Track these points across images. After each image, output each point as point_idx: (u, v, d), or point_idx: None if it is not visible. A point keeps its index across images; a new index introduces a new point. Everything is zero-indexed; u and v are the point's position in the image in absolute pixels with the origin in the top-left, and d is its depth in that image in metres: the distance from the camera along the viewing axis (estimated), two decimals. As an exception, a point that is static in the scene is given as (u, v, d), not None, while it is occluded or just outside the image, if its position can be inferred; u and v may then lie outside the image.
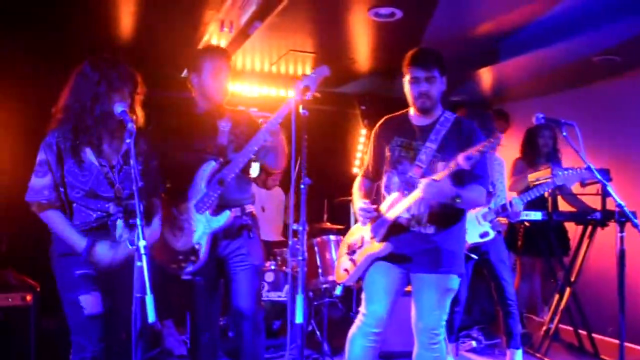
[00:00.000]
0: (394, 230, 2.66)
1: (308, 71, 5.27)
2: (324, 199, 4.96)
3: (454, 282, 2.61)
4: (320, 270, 4.19)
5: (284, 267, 4.52)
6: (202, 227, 2.78)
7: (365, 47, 4.68)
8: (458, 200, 2.43)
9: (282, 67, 5.21)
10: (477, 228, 3.62)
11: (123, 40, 4.43)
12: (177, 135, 2.87)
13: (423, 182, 2.43)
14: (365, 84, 5.66)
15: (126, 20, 4.06)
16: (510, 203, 3.49)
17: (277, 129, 2.71)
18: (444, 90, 2.70)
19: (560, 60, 4.70)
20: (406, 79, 2.66)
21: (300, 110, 2.42)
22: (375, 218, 2.72)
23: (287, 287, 4.36)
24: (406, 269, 2.64)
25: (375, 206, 2.72)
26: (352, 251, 2.84)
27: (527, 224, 4.42)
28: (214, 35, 4.31)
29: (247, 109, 4.35)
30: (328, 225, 4.79)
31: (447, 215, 2.59)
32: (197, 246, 2.78)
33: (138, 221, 2.05)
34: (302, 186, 2.18)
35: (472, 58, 4.86)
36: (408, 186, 2.60)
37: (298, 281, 2.07)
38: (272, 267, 4.43)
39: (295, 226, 2.03)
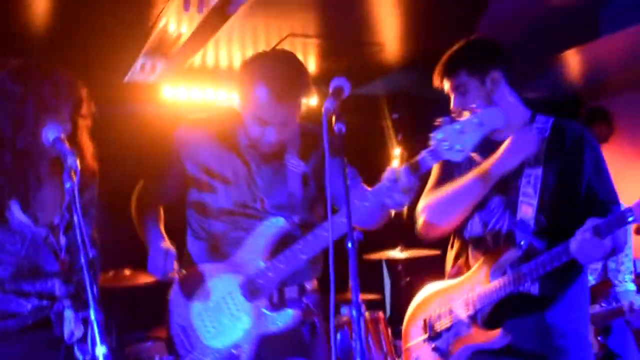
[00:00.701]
0: (508, 307, 2.57)
1: (312, 64, 5.35)
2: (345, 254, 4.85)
3: None
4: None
5: None
6: (248, 322, 2.58)
7: (397, 27, 4.72)
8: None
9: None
10: None
11: (35, 33, 4.42)
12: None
13: (575, 242, 2.37)
14: (397, 81, 5.67)
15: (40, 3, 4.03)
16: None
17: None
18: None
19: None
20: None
21: (335, 125, 2.25)
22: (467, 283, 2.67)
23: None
24: None
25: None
26: (435, 334, 2.72)
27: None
28: (173, 17, 4.27)
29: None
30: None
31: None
32: (235, 351, 2.57)
33: (92, 313, 1.87)
34: (349, 244, 1.99)
35: (556, 35, 4.88)
36: (506, 238, 2.60)
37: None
38: None
39: (344, 310, 1.82)
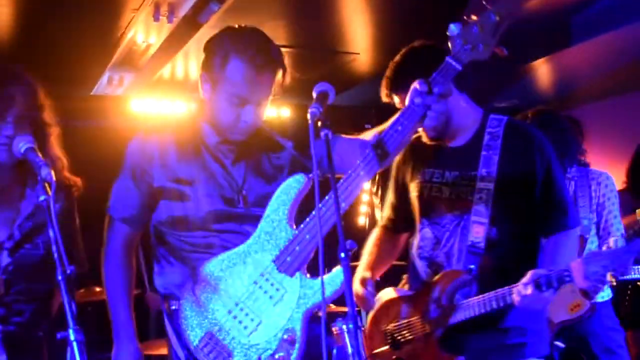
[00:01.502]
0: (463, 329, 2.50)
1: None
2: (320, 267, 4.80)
3: None
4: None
5: None
6: (294, 299, 2.29)
7: (370, 34, 4.70)
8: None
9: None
10: (566, 297, 3.51)
11: None
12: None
13: (517, 294, 2.34)
14: (372, 91, 5.57)
15: None
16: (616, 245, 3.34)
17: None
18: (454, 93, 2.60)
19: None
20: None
21: (321, 132, 2.15)
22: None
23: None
24: None
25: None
26: (396, 344, 2.64)
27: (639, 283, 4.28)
28: (141, 28, 4.21)
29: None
30: (332, 306, 4.56)
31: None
32: (287, 336, 2.25)
33: (71, 334, 1.76)
34: (342, 254, 1.90)
35: (528, 43, 4.79)
36: (459, 258, 2.55)
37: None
38: None
39: (340, 325, 1.72)
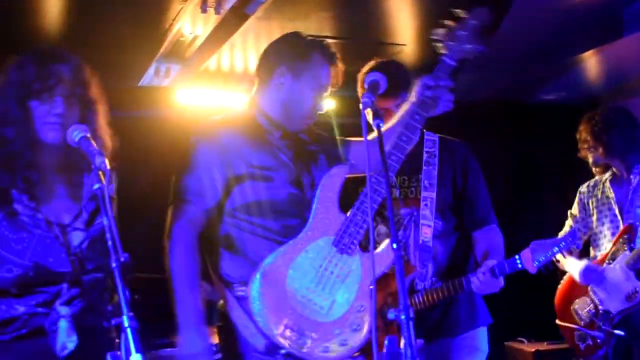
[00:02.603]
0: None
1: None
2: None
3: None
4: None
5: None
6: (358, 275, 2.49)
7: (416, 27, 4.67)
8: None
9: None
10: (622, 286, 3.53)
11: (50, 38, 4.37)
12: None
13: (475, 281, 2.84)
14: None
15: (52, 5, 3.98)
16: None
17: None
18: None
19: None
20: None
21: (372, 121, 2.18)
22: None
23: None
24: None
25: None
26: None
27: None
28: (188, 20, 4.21)
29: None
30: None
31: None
32: (361, 309, 2.47)
33: (125, 320, 1.79)
34: (393, 245, 1.91)
35: (578, 35, 4.81)
36: (416, 247, 2.96)
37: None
38: None
39: (392, 314, 1.73)
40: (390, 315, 1.76)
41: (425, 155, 3.06)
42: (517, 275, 3.85)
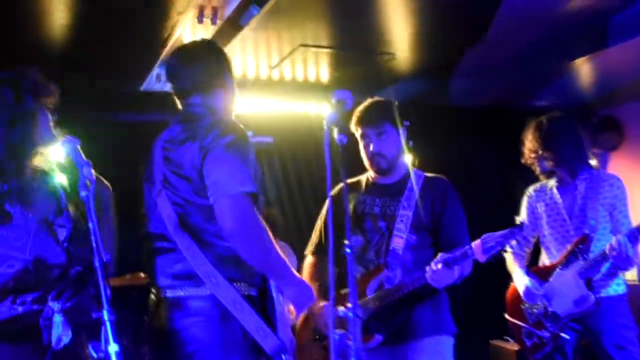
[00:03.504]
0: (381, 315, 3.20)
1: (324, 74, 5.45)
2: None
3: None
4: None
5: None
6: None
7: (408, 36, 4.76)
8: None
9: (287, 70, 5.29)
10: (571, 292, 3.67)
11: (54, 44, 4.51)
12: None
13: (430, 271, 3.05)
14: (408, 88, 5.71)
15: (56, 13, 4.08)
16: (618, 243, 3.45)
17: None
18: (401, 145, 3.40)
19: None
20: (358, 138, 3.38)
21: (336, 136, 2.40)
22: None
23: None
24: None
25: None
26: (323, 336, 3.24)
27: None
28: (187, 29, 4.36)
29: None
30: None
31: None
32: None
33: (105, 314, 2.00)
34: (347, 250, 2.13)
35: (566, 43, 4.92)
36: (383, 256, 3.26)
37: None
38: None
39: (341, 311, 1.95)
40: (340, 312, 1.98)
41: (408, 184, 3.35)
42: (505, 276, 3.99)
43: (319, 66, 5.21)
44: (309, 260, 3.51)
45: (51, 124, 2.55)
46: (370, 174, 3.47)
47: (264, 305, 2.58)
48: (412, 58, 5.12)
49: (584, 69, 5.51)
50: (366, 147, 3.35)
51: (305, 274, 3.41)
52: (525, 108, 6.37)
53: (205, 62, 2.81)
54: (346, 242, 2.30)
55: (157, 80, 5.19)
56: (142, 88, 5.34)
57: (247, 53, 4.93)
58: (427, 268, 3.04)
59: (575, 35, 4.82)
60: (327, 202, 2.88)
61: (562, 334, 3.66)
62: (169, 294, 2.58)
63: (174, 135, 2.68)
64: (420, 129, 3.63)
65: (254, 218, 2.47)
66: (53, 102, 2.59)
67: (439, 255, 3.05)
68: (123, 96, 5.28)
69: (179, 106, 2.81)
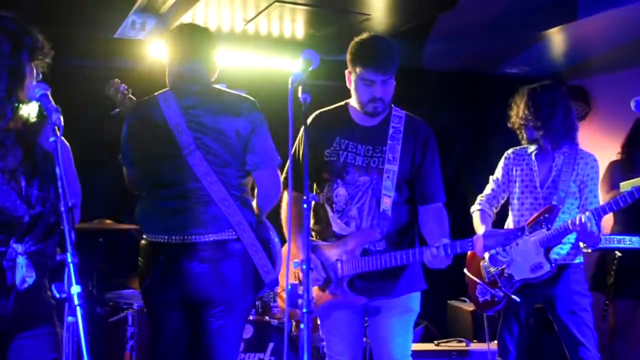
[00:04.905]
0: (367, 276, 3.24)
1: (299, 30, 5.45)
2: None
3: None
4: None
5: (266, 318, 4.59)
6: None
7: None
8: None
9: (263, 25, 5.27)
10: (530, 258, 3.79)
11: None
12: None
13: (429, 254, 3.09)
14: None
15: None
16: (580, 220, 3.55)
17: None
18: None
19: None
20: (355, 76, 3.20)
21: (300, 95, 2.48)
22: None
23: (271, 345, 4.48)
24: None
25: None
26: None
27: (619, 253, 4.50)
28: None
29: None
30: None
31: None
32: None
33: (69, 257, 2.07)
34: (304, 205, 2.22)
35: (539, 12, 4.97)
36: (369, 212, 3.23)
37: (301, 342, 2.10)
38: (251, 318, 4.51)
39: (294, 264, 2.05)
40: (295, 265, 2.08)
41: (391, 130, 3.24)
42: (466, 236, 4.06)
43: (294, 23, 5.19)
44: (286, 198, 3.37)
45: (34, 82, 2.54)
46: (351, 111, 3.33)
47: (267, 246, 3.07)
48: (387, 20, 5.12)
49: (555, 39, 5.55)
50: (365, 90, 3.17)
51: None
52: (496, 74, 6.45)
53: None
54: (304, 197, 2.39)
55: (131, 28, 5.16)
56: (116, 35, 5.30)
57: (222, 5, 4.90)
58: (427, 251, 3.08)
59: (547, 5, 4.88)
60: (303, 136, 3.05)
61: (514, 296, 3.78)
62: (197, 239, 2.96)
63: (197, 102, 3.06)
64: (399, 93, 3.65)
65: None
66: (44, 65, 2.60)
67: (440, 242, 3.06)
68: (96, 43, 5.24)
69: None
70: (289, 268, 2.57)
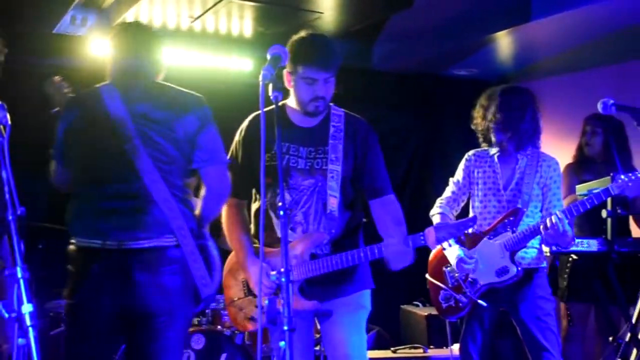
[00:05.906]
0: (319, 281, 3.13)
1: (248, 28, 5.33)
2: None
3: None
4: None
5: (218, 327, 4.47)
6: None
7: None
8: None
9: (210, 22, 5.16)
10: (495, 261, 3.73)
11: None
12: None
13: (388, 247, 3.04)
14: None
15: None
16: (552, 222, 3.50)
17: None
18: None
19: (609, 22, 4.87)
20: (295, 76, 3.09)
21: (271, 94, 2.33)
22: None
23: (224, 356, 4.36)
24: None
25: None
26: (254, 294, 3.22)
27: (574, 256, 4.50)
28: None
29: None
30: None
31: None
32: None
33: (19, 271, 1.86)
34: (280, 212, 2.07)
35: (491, 14, 4.99)
36: (315, 217, 3.16)
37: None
38: (202, 327, 4.38)
39: (274, 276, 1.90)
40: (273, 277, 1.92)
41: (332, 129, 3.16)
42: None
43: (243, 20, 5.10)
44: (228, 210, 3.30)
45: None
46: (290, 113, 3.22)
47: (205, 257, 2.89)
48: (339, 18, 5.07)
49: (504, 42, 5.57)
50: (307, 89, 3.06)
51: (229, 224, 3.27)
52: (444, 76, 6.44)
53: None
54: (279, 203, 2.24)
55: (71, 23, 4.95)
56: (55, 30, 5.11)
57: (168, 2, 4.79)
58: (383, 244, 3.04)
59: (500, 7, 4.90)
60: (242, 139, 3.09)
61: (480, 301, 3.70)
62: (136, 244, 2.74)
63: (142, 96, 2.88)
64: (340, 91, 3.57)
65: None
66: None
67: (398, 237, 3.03)
68: (34, 39, 5.00)
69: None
70: (260, 280, 2.41)
